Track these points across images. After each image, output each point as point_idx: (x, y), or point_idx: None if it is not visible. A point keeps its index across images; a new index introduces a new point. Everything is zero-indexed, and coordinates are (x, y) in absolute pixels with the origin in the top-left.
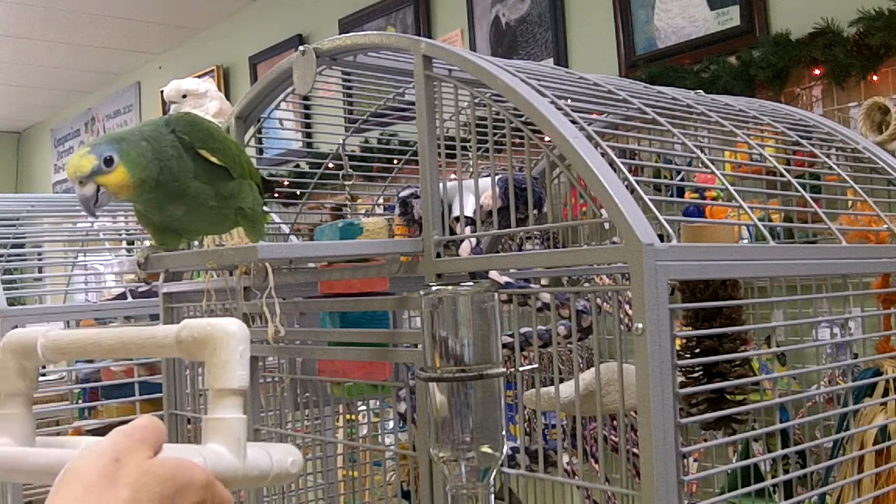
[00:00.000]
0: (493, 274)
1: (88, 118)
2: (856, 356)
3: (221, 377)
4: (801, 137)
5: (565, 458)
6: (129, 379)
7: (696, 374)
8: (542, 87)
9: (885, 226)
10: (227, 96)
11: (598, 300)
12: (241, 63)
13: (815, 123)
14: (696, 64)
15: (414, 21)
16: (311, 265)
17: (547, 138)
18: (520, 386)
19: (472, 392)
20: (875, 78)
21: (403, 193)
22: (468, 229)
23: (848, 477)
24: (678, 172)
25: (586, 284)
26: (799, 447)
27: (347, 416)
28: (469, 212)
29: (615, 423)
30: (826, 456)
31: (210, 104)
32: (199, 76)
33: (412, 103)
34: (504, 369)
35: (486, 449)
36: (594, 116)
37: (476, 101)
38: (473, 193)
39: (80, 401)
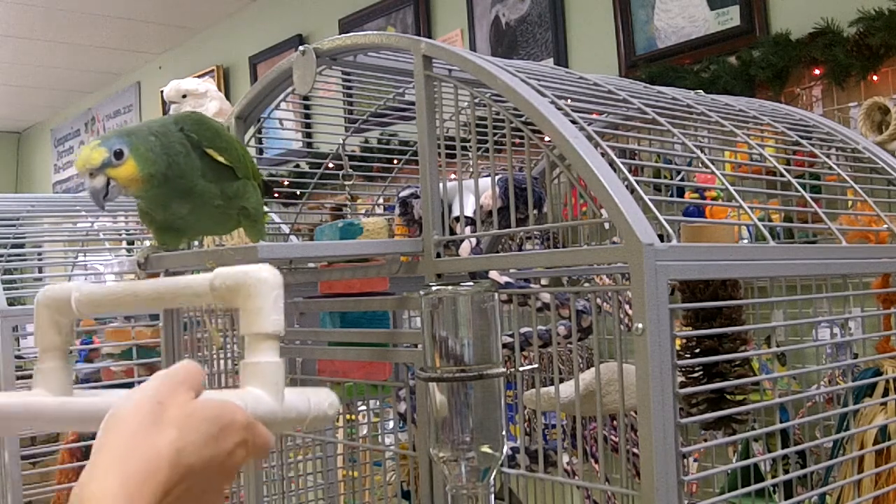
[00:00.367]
0: (493, 274)
1: (88, 118)
2: (856, 356)
3: (257, 322)
4: (801, 137)
5: (565, 458)
6: (129, 379)
7: (696, 374)
8: (542, 87)
9: (885, 226)
10: (227, 96)
11: (598, 300)
12: (241, 63)
13: (815, 123)
14: (696, 64)
15: (414, 21)
16: (311, 265)
17: (547, 138)
18: (520, 386)
19: (472, 392)
20: (875, 78)
21: (403, 193)
22: (468, 229)
23: (848, 477)
24: (678, 172)
25: (586, 284)
26: (799, 447)
27: (347, 416)
28: (469, 212)
29: (615, 423)
30: (826, 456)
31: (210, 104)
32: (199, 76)
33: (412, 103)
34: (504, 369)
35: (486, 449)
36: (594, 116)
37: (476, 101)
38: (473, 193)
39: None
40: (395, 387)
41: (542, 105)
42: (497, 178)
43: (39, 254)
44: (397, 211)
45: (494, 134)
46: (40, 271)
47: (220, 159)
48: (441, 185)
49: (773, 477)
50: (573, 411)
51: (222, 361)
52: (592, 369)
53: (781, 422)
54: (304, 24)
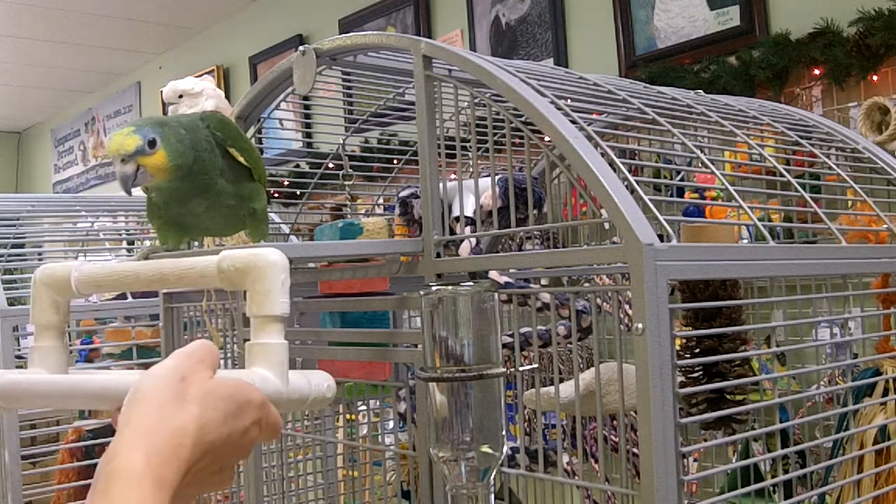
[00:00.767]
0: (493, 274)
1: (88, 118)
2: (855, 356)
3: (265, 305)
4: (801, 137)
5: (565, 458)
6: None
7: (696, 374)
8: (542, 87)
9: (885, 226)
10: (227, 96)
11: (598, 300)
12: (241, 63)
13: (815, 123)
14: (696, 64)
15: (414, 21)
16: (311, 265)
17: (547, 138)
18: (520, 386)
19: (472, 392)
20: (875, 78)
21: (403, 193)
22: (468, 229)
23: (848, 477)
24: (678, 172)
25: (586, 284)
26: (799, 447)
27: (347, 416)
28: (469, 212)
29: (615, 423)
30: (826, 456)
31: (206, 103)
32: (199, 76)
33: (412, 103)
34: (504, 369)
35: (486, 449)
36: (594, 116)
37: (476, 101)
38: (473, 193)
39: None
40: (395, 387)
41: (541, 105)
42: (497, 178)
43: (40, 254)
44: (397, 211)
45: (494, 134)
46: None
47: (241, 160)
48: (441, 185)
49: (773, 477)
50: (573, 411)
51: (222, 361)
52: (592, 369)
53: (781, 422)
54: (304, 24)
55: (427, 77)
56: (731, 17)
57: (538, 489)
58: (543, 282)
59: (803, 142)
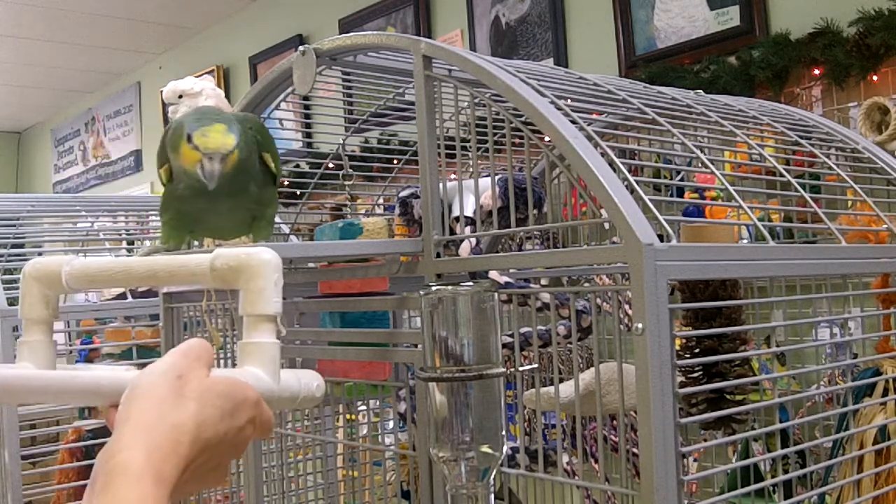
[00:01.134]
0: (493, 274)
1: (88, 118)
2: (855, 356)
3: (258, 304)
4: (801, 137)
5: (565, 458)
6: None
7: (695, 374)
8: (542, 87)
9: (885, 226)
10: (228, 96)
11: (598, 300)
12: (241, 63)
13: (815, 123)
14: (696, 64)
15: (414, 21)
16: (311, 265)
17: (547, 138)
18: (520, 386)
19: (471, 392)
20: (875, 78)
21: (403, 193)
22: (468, 229)
23: (847, 477)
24: (678, 172)
25: (586, 284)
26: (799, 447)
27: (347, 416)
28: (469, 212)
29: (615, 423)
30: (826, 456)
31: (206, 103)
32: (199, 76)
33: (412, 103)
34: (504, 369)
35: (485, 449)
36: (594, 116)
37: (476, 101)
38: (473, 193)
39: None
40: (395, 387)
41: (541, 105)
42: (497, 178)
43: (40, 254)
44: (397, 211)
45: (494, 134)
46: None
47: (271, 166)
48: (441, 185)
49: (773, 477)
50: (573, 411)
51: (222, 361)
52: (592, 369)
53: (781, 422)
54: (304, 24)
55: (427, 77)
56: (731, 17)
57: (538, 489)
58: (543, 282)
59: (803, 142)
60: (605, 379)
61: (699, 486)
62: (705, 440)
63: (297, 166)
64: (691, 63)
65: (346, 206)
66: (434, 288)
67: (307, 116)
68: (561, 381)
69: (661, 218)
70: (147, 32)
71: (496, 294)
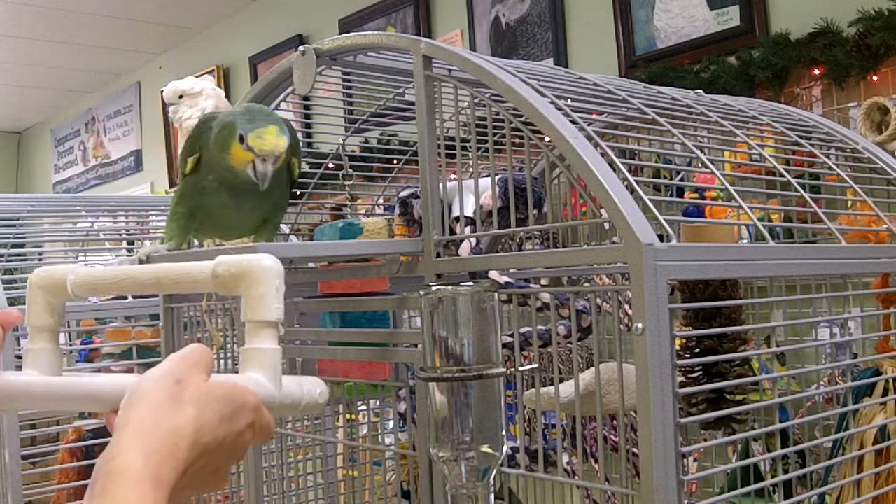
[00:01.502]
0: (493, 274)
1: (88, 118)
2: (855, 356)
3: (259, 310)
4: (801, 137)
5: (565, 458)
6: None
7: (695, 374)
8: (542, 87)
9: (885, 226)
10: (228, 96)
11: (598, 300)
12: (241, 63)
13: (815, 123)
14: (696, 64)
15: (414, 21)
16: (311, 265)
17: (547, 138)
18: (520, 386)
19: (471, 392)
20: (875, 78)
21: (403, 193)
22: (468, 229)
23: (847, 477)
24: (678, 172)
25: (586, 284)
26: (798, 447)
27: (347, 416)
28: (469, 212)
29: (615, 423)
30: (826, 456)
31: (206, 102)
32: (199, 76)
33: (412, 103)
34: (504, 369)
35: (486, 449)
36: (594, 116)
37: (476, 101)
38: (473, 193)
39: None
40: (395, 387)
41: (541, 105)
42: (497, 178)
43: (40, 254)
44: (397, 211)
45: (494, 134)
46: None
47: (295, 171)
48: (441, 185)
49: (773, 477)
50: (573, 411)
51: (222, 361)
52: (592, 369)
53: (781, 422)
54: (304, 24)
55: (427, 77)
56: (731, 17)
57: (538, 489)
58: (543, 282)
59: (803, 142)
60: (605, 379)
61: (699, 486)
62: (705, 440)
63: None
64: (691, 63)
65: (346, 206)
66: (434, 288)
67: (307, 116)
68: (561, 381)
69: (661, 218)
70: (147, 32)
71: (496, 294)
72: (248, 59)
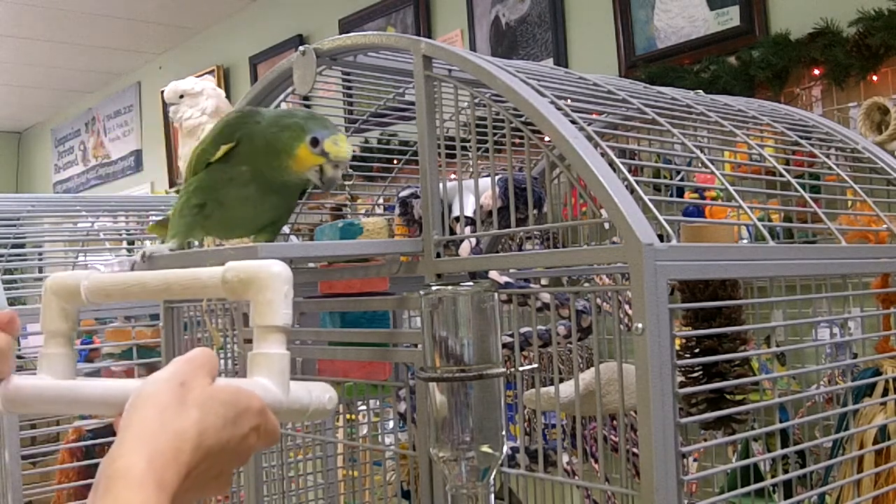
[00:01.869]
0: (493, 274)
1: (88, 118)
2: (855, 356)
3: (268, 315)
4: (801, 137)
5: (565, 458)
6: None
7: (695, 374)
8: (542, 87)
9: (885, 226)
10: (228, 96)
11: (598, 300)
12: (241, 63)
13: (815, 123)
14: (696, 64)
15: (414, 21)
16: (311, 265)
17: (547, 138)
18: (520, 386)
19: (471, 392)
20: (875, 78)
21: (403, 193)
22: (468, 229)
23: (847, 477)
24: (678, 172)
25: (586, 284)
26: (798, 447)
27: (347, 416)
28: (469, 212)
29: (615, 423)
30: (826, 456)
31: (206, 102)
32: (199, 76)
33: (412, 103)
34: (504, 369)
35: (486, 449)
36: (594, 116)
37: (476, 101)
38: (473, 193)
39: None
40: (395, 387)
41: (541, 105)
42: (497, 178)
43: (40, 254)
44: (397, 211)
45: (494, 134)
46: (41, 271)
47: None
48: (441, 185)
49: (773, 477)
50: (573, 411)
51: (223, 361)
52: (592, 369)
53: (781, 422)
54: (304, 24)
55: (427, 77)
56: (731, 17)
57: (538, 489)
58: (543, 282)
59: (803, 142)
60: (605, 379)
61: (699, 486)
62: (705, 440)
63: None
64: (691, 63)
65: (346, 206)
66: (434, 288)
67: None
68: (561, 381)
69: (661, 218)
70: (147, 32)
71: (496, 294)
72: (248, 59)
